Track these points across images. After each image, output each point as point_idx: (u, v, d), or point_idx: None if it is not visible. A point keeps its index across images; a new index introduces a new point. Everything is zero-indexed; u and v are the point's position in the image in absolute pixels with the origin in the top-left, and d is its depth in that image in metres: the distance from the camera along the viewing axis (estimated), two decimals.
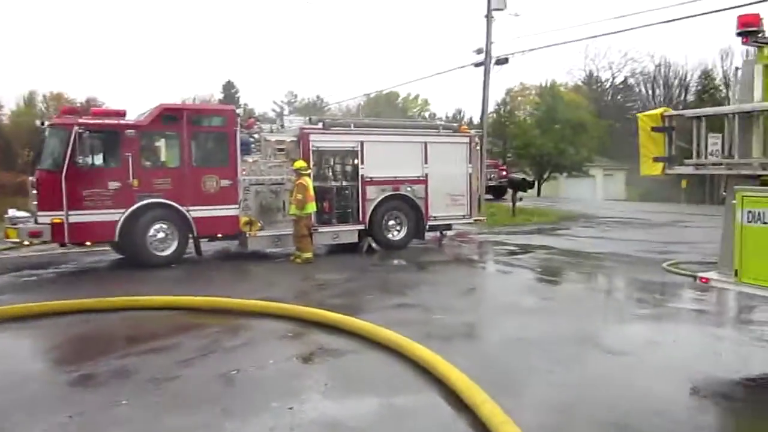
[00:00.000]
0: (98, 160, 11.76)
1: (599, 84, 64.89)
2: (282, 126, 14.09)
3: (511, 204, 24.81)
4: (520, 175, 29.86)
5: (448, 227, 15.75)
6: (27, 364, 5.96)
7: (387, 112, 51.51)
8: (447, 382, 5.02)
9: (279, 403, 4.83)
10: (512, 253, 14.24)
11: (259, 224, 12.86)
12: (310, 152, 13.40)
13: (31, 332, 7.30)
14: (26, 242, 11.71)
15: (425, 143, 14.68)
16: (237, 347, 6.46)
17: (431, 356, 5.47)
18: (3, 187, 26.81)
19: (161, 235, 11.97)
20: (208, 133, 12.70)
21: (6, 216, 11.90)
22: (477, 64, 26.63)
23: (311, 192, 12.58)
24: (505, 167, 34.55)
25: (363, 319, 7.07)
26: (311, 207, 12.64)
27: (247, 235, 12.75)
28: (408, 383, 5.33)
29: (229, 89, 64.39)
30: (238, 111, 12.99)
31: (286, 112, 59.69)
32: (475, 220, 15.70)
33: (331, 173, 13.83)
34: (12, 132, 38.65)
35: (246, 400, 4.91)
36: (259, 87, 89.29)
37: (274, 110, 63.12)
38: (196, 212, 12.19)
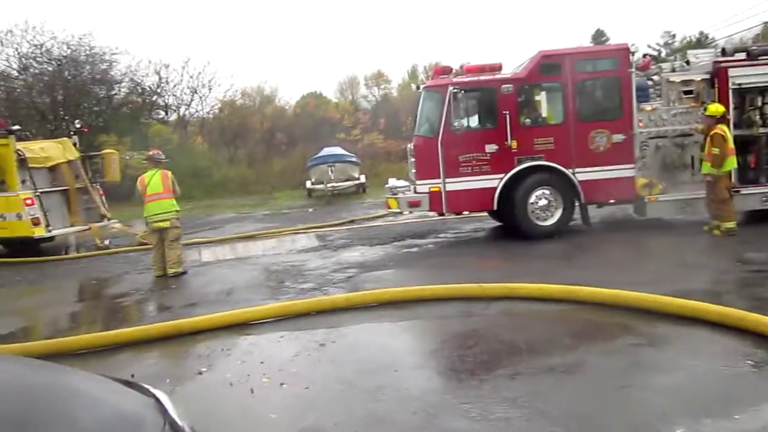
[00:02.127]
0: (474, 121, 10.73)
1: None
2: (687, 63, 11.16)
3: None
4: None
5: None
6: (391, 376, 4.85)
7: None
8: None
9: None
10: None
11: (660, 186, 10.40)
12: (729, 92, 10.30)
13: (405, 325, 6.35)
14: (406, 212, 11.37)
15: None
16: (669, 384, 4.41)
17: None
18: (390, 154, 28.77)
19: (543, 202, 10.42)
20: (596, 79, 10.60)
21: (386, 186, 11.74)
22: None
23: (731, 144, 9.61)
24: None
25: None
26: (731, 163, 9.69)
27: (646, 200, 10.42)
28: None
29: (598, 38, 60.28)
30: (632, 49, 10.58)
31: (662, 55, 53.23)
32: None
33: (758, 117, 10.47)
34: (399, 103, 41.93)
35: None
36: (631, 32, 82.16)
37: (649, 55, 57.06)
38: (582, 175, 10.32)
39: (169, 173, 10.00)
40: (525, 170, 10.29)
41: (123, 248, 13.65)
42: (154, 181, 9.86)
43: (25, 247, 13.42)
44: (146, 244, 13.77)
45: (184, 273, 9.90)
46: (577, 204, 10.59)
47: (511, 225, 10.83)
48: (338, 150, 24.73)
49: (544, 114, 10.78)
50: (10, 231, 13.22)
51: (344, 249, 11.28)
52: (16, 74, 29.54)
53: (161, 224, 9.82)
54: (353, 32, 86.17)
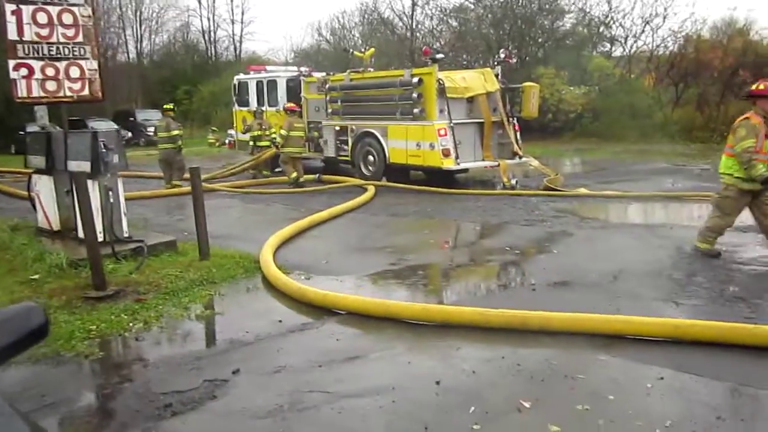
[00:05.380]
0: None
1: None
2: None
3: None
4: None
5: None
6: None
7: None
8: None
9: None
10: None
11: None
12: None
13: None
14: None
15: None
16: None
17: None
18: None
19: None
20: None
21: None
22: None
23: None
24: None
25: None
26: None
27: None
28: None
29: None
30: None
31: None
32: None
33: None
34: None
35: None
36: None
37: None
38: None
39: (746, 121, 6.79)
40: None
41: (527, 191, 12.55)
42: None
43: (440, 177, 13.47)
44: (552, 189, 12.48)
45: (714, 255, 7.00)
46: None
47: None
48: None
49: None
50: (423, 160, 13.32)
51: None
52: (471, 7, 30.74)
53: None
54: None
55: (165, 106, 14.99)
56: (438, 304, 5.72)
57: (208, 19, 48.47)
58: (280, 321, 5.38)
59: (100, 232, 7.25)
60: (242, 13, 48.81)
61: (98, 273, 6.20)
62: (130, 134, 30.37)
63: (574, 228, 8.96)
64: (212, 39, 48.87)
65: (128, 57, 46.07)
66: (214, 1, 47.82)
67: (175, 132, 14.17)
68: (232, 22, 48.78)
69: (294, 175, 14.22)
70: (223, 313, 5.79)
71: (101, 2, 44.20)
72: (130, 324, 5.39)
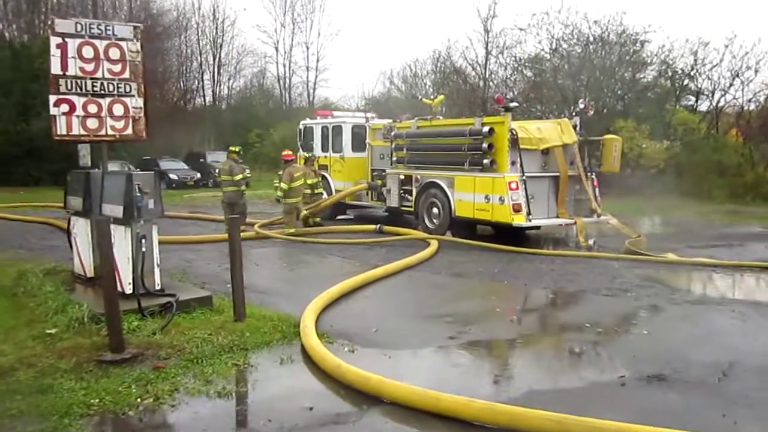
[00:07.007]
0: None
1: None
2: None
3: None
4: None
5: None
6: None
7: None
8: None
9: None
10: None
11: None
12: None
13: None
14: None
15: None
16: None
17: None
18: None
19: None
20: None
21: None
22: None
23: None
24: None
25: None
26: None
27: None
28: None
29: None
30: None
31: None
32: None
33: None
34: None
35: None
36: None
37: None
38: None
39: None
40: None
41: (607, 254, 11.33)
42: None
43: (510, 234, 12.45)
44: (636, 252, 11.22)
45: None
46: None
47: None
48: None
49: None
50: (491, 214, 12.29)
51: None
52: (548, 57, 29.87)
53: None
54: None
55: (230, 148, 14.37)
56: (502, 398, 4.68)
57: (284, 65, 49.40)
58: (311, 408, 4.47)
59: (129, 284, 6.64)
60: (317, 60, 49.07)
61: (115, 333, 5.48)
62: (199, 175, 30.75)
63: (665, 302, 7.73)
64: (287, 85, 49.84)
65: (204, 101, 47.37)
66: (291, 48, 48.49)
67: (239, 176, 13.55)
68: (307, 69, 49.43)
69: (293, 230, 13.54)
70: (247, 392, 4.94)
71: (184, 49, 45.94)
72: (139, 399, 4.61)
